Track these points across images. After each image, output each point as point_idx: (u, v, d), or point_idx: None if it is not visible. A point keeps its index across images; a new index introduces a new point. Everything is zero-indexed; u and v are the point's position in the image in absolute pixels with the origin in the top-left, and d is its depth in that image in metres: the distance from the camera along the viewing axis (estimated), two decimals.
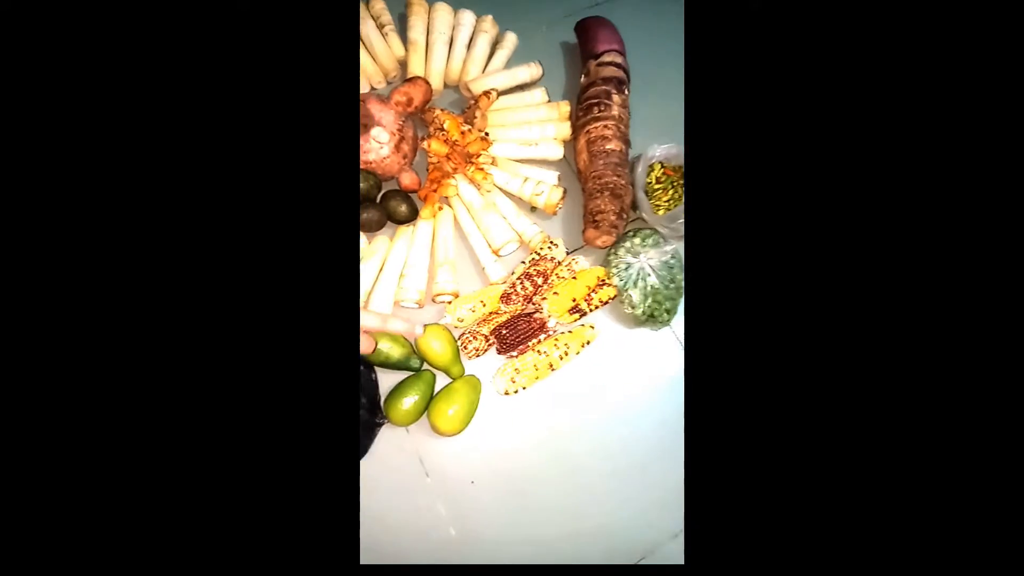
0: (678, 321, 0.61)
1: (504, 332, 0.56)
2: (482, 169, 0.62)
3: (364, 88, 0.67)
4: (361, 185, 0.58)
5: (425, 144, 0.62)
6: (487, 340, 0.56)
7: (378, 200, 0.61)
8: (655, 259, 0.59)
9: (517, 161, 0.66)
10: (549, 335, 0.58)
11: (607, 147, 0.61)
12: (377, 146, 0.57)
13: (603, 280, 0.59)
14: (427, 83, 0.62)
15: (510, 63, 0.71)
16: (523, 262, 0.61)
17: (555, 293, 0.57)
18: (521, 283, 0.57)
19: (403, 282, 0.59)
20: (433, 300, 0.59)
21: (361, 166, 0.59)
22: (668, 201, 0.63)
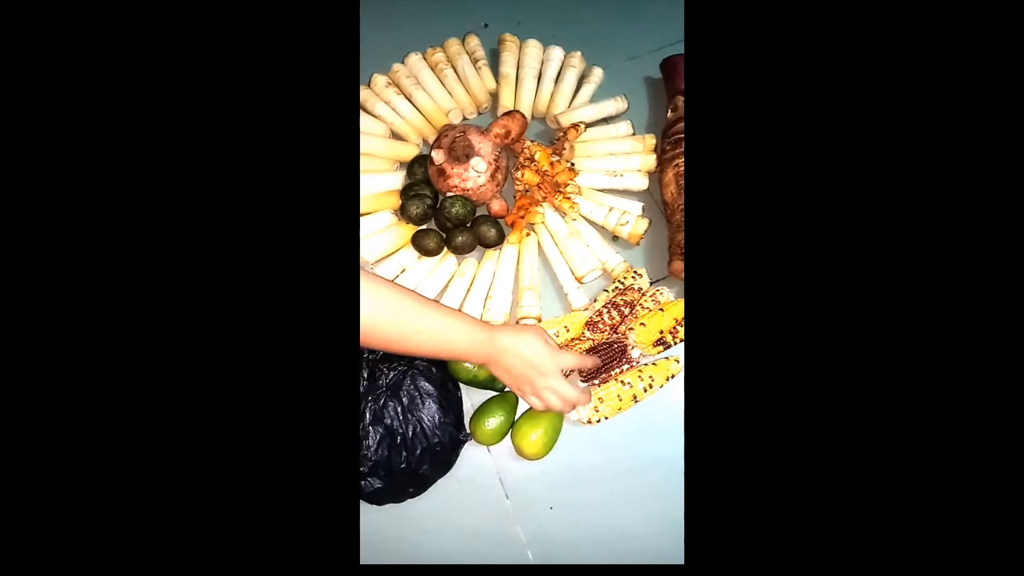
0: None
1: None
2: (569, 198, 0.64)
3: (457, 118, 0.71)
4: (460, 211, 0.61)
5: (519, 174, 0.64)
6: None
7: (469, 225, 0.64)
8: None
9: (601, 191, 0.68)
10: (632, 366, 0.58)
11: None
12: (475, 175, 0.61)
13: None
14: (524, 117, 0.65)
15: (596, 96, 0.73)
16: (605, 290, 0.61)
17: (642, 324, 0.57)
18: (608, 312, 0.58)
19: (489, 304, 0.61)
20: (517, 323, 0.60)
21: (459, 192, 0.62)
22: None
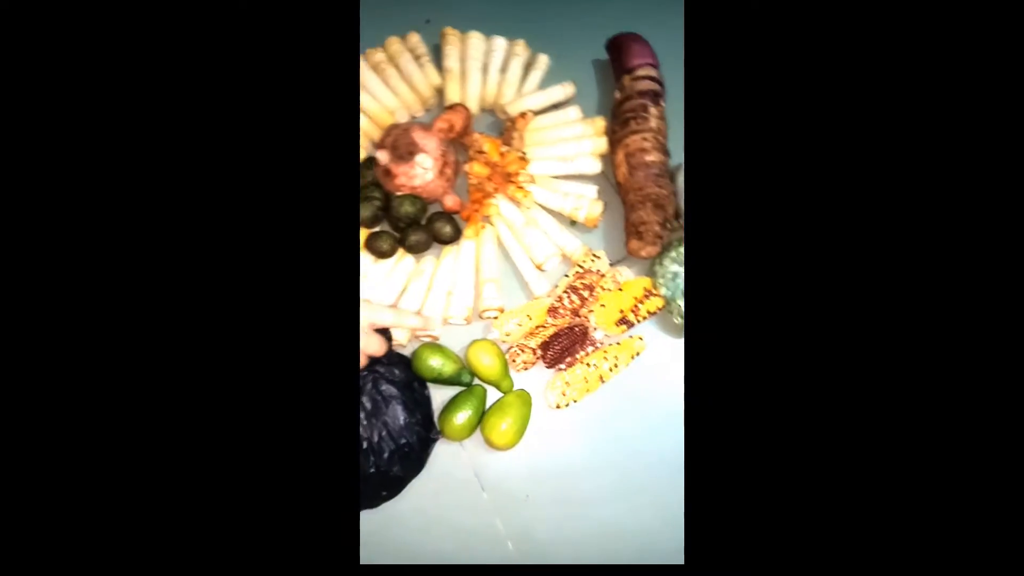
0: None
1: (550, 344, 0.56)
2: (522, 187, 0.64)
3: (404, 117, 0.70)
4: (409, 209, 0.61)
5: (468, 167, 0.64)
6: (535, 353, 0.57)
7: (424, 223, 0.63)
8: None
9: (555, 177, 0.67)
10: (597, 347, 0.58)
11: (647, 159, 0.61)
12: (422, 172, 0.60)
13: (649, 291, 0.59)
14: (467, 109, 0.65)
15: (543, 83, 0.73)
16: (566, 275, 0.61)
17: (602, 305, 0.57)
18: (568, 296, 0.58)
19: (451, 300, 0.60)
20: (480, 316, 0.60)
21: (408, 191, 0.61)
22: None
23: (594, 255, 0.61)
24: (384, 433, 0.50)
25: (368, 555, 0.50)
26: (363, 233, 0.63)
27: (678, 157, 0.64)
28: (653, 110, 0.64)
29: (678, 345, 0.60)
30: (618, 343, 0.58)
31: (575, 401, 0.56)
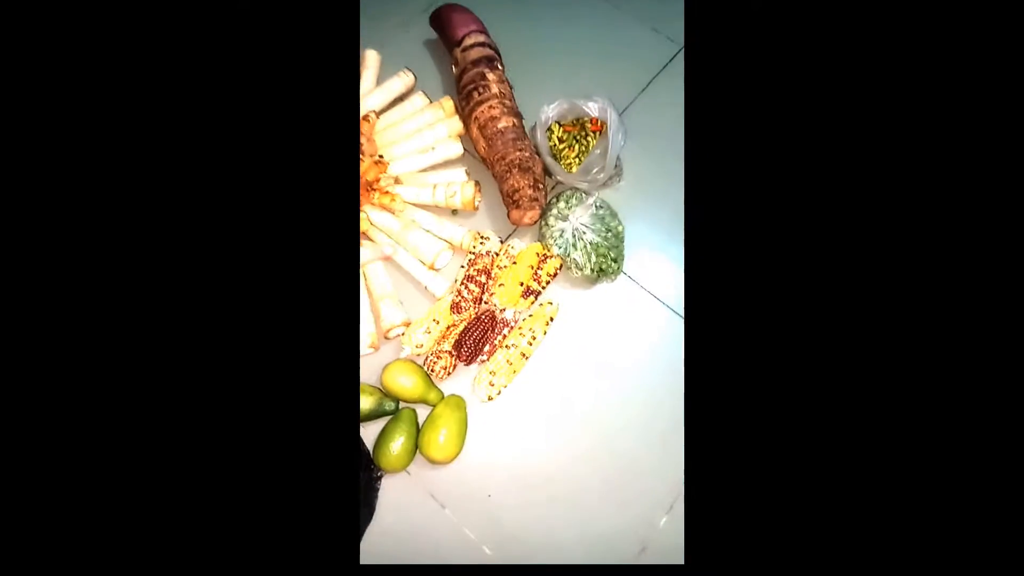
0: (628, 264, 0.60)
1: (462, 342, 0.54)
2: (387, 192, 0.60)
3: None
4: None
5: None
6: (452, 356, 0.55)
7: None
8: (584, 216, 0.58)
9: (421, 171, 0.64)
10: (512, 326, 0.56)
11: (499, 126, 0.60)
12: None
13: (543, 254, 0.58)
14: None
15: (380, 79, 0.69)
16: (462, 266, 0.59)
17: (500, 285, 0.55)
18: (466, 287, 0.56)
19: None
20: (386, 337, 0.57)
21: None
22: (576, 156, 0.62)
23: (482, 237, 0.59)
24: None
25: None
26: None
27: (531, 115, 0.63)
28: (491, 76, 0.62)
29: (590, 296, 0.60)
30: (531, 315, 0.57)
31: (505, 387, 0.54)
